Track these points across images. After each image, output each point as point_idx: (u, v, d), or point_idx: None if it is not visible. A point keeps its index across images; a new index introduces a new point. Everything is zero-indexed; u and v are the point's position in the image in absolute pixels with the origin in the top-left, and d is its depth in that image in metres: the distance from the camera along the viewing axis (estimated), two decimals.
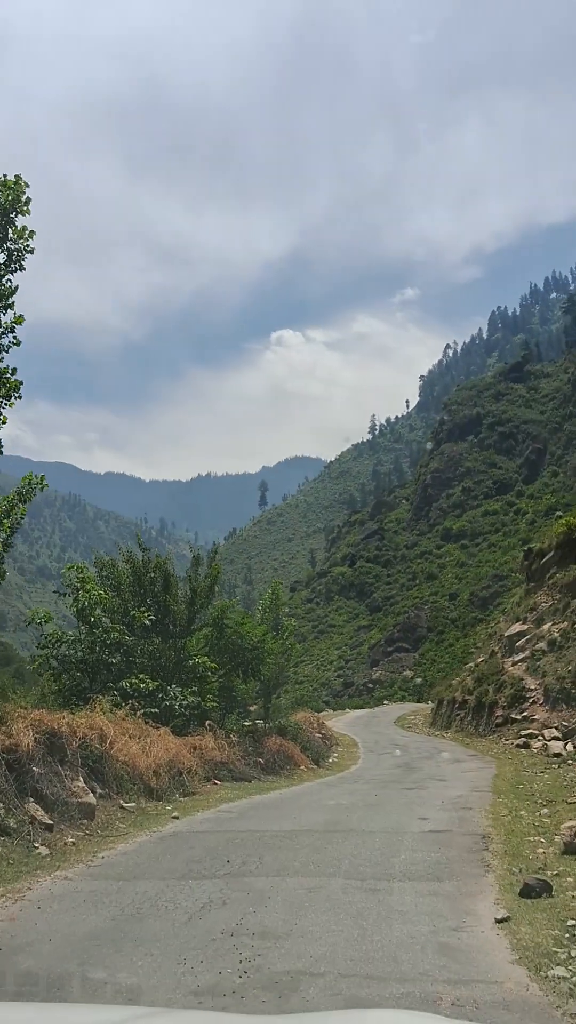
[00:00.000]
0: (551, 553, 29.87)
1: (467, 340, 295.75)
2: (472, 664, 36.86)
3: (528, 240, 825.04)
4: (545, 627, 26.97)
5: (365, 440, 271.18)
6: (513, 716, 24.93)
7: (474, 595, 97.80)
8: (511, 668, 27.35)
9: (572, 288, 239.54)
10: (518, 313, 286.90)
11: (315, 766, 23.01)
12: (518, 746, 22.24)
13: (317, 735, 27.08)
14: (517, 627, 29.94)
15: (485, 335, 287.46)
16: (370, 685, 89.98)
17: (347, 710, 63.17)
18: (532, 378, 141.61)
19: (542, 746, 21.41)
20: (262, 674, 24.67)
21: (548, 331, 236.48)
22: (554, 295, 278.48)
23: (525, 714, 24.39)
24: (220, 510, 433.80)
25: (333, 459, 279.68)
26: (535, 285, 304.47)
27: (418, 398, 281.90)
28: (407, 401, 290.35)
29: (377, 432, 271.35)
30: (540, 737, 22.09)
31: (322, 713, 48.85)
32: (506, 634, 30.87)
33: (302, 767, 21.81)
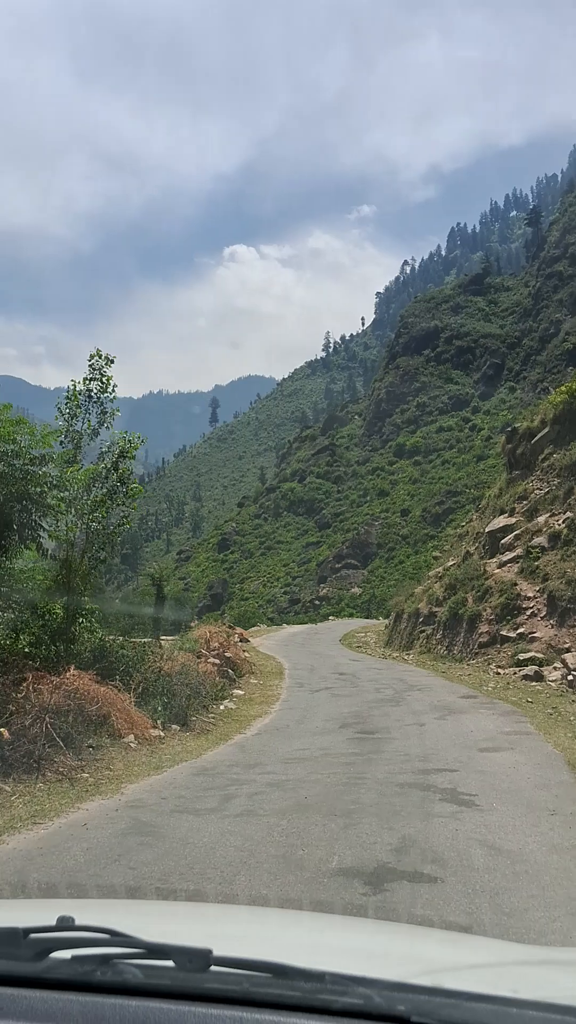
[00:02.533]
0: (545, 430, 25.24)
1: (425, 257, 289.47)
2: (440, 569, 30.47)
3: (486, 162, 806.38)
4: (541, 519, 22.60)
5: (319, 358, 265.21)
6: (505, 633, 20.33)
7: (426, 511, 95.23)
8: (498, 571, 22.66)
9: (532, 206, 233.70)
10: (478, 230, 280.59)
11: (176, 727, 12.85)
12: (526, 677, 17.34)
13: (209, 663, 17.98)
14: (502, 520, 25.01)
15: (444, 252, 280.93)
16: (317, 602, 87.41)
17: (284, 626, 56.51)
18: (492, 291, 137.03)
19: (564, 678, 16.51)
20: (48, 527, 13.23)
21: (508, 249, 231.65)
22: (514, 213, 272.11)
23: (521, 630, 19.83)
24: (171, 428, 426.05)
25: (286, 376, 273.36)
26: (495, 203, 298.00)
27: (373, 315, 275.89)
28: (362, 319, 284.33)
29: (331, 350, 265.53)
30: (560, 665, 17.17)
31: (251, 629, 44.96)
32: (487, 530, 25.87)
33: (128, 737, 11.24)
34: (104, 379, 13.93)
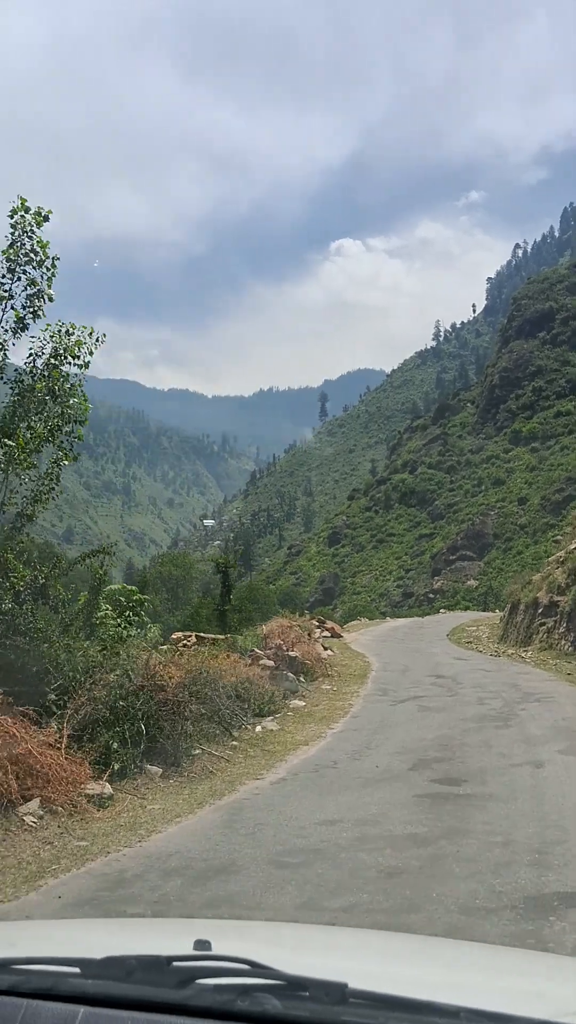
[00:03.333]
0: None
1: (538, 239, 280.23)
2: (561, 553, 26.83)
3: None
4: None
5: (429, 347, 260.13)
6: None
7: (546, 499, 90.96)
8: None
9: None
10: None
11: (158, 769, 8.92)
12: None
13: (260, 665, 15.13)
14: None
15: (557, 233, 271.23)
16: (431, 595, 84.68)
17: (387, 619, 53.21)
18: None
19: None
20: None
21: None
22: None
23: None
24: (282, 424, 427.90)
25: (396, 367, 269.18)
26: None
27: (485, 302, 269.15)
28: (473, 305, 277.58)
29: (442, 339, 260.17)
30: None
31: (350, 623, 42.55)
32: None
33: (32, 804, 7.13)
34: (35, 244, 9.59)
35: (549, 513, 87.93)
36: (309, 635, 21.80)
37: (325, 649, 21.51)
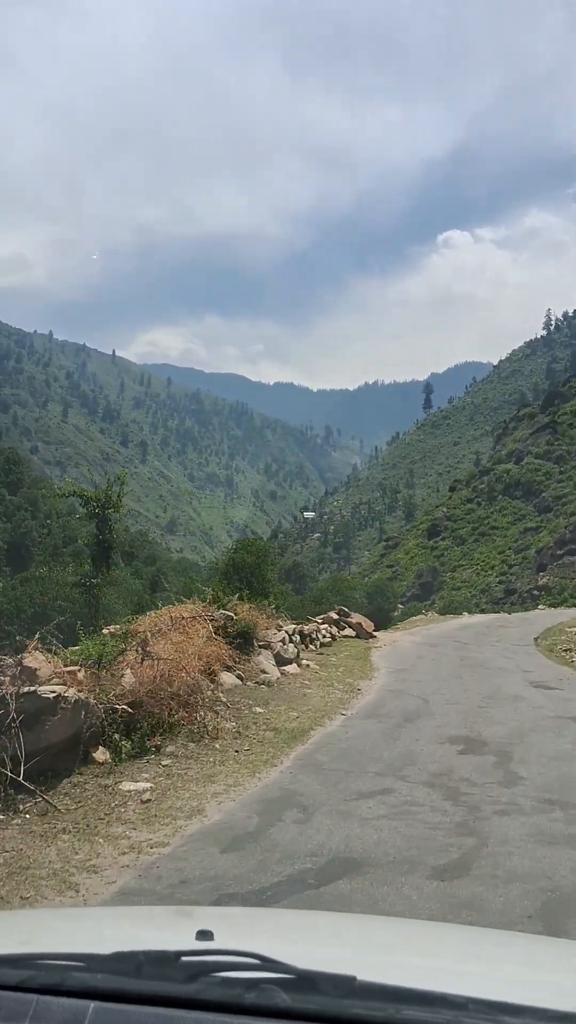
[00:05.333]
0: None
1: None
2: None
3: None
4: None
5: (539, 336, 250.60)
6: None
7: None
8: None
9: None
10: None
11: None
12: None
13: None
14: None
15: None
16: (535, 592, 79.33)
17: (463, 614, 44.27)
18: None
19: None
20: None
21: None
22: None
23: None
24: (386, 417, 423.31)
25: (503, 358, 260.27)
26: None
27: None
28: None
29: (553, 328, 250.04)
30: None
31: (414, 617, 37.39)
32: None
33: None
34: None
35: None
36: (258, 644, 14.34)
37: (284, 665, 14.46)
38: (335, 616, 23.39)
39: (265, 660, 14.06)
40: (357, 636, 22.46)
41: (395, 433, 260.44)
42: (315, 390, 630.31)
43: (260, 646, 14.29)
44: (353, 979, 1.57)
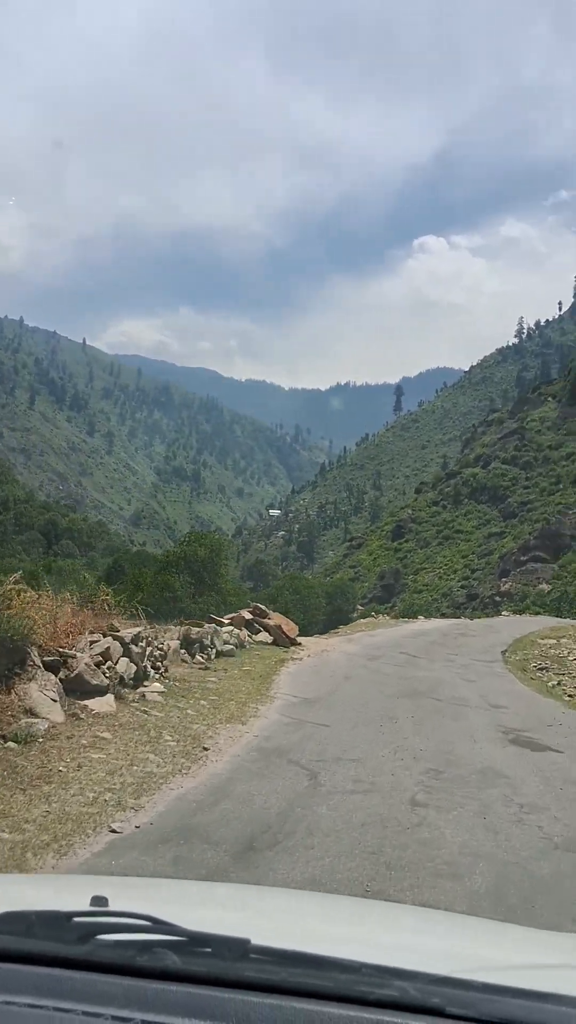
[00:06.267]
0: None
1: None
2: None
3: None
4: None
5: (511, 344, 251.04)
6: None
7: None
8: None
9: None
10: None
11: None
12: None
13: None
14: None
15: None
16: (498, 598, 78.57)
17: (419, 618, 40.49)
18: None
19: None
20: None
21: None
22: None
23: None
24: (356, 418, 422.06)
25: (474, 364, 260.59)
26: None
27: (572, 299, 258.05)
28: (559, 303, 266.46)
29: (524, 336, 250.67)
30: None
31: (363, 620, 35.16)
32: None
33: None
34: None
35: None
36: (44, 660, 9.32)
37: (88, 698, 9.50)
38: (247, 616, 19.37)
39: (42, 692, 8.66)
40: (275, 642, 18.44)
41: (364, 435, 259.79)
42: (287, 388, 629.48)
43: (49, 663, 9.18)
44: (246, 942, 1.56)
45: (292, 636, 18.94)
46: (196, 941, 1.61)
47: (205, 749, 8.61)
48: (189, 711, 10.49)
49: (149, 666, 11.76)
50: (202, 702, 11.09)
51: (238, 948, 1.56)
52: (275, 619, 19.32)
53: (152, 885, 3.40)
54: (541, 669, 16.58)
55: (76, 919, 1.66)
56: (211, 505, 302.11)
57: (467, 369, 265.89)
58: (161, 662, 12.45)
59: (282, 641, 18.45)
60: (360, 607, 68.72)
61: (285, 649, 17.77)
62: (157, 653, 12.38)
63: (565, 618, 44.53)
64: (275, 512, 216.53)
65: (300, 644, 18.91)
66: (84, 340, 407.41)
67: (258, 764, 8.18)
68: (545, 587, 78.58)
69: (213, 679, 12.90)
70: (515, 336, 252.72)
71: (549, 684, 14.58)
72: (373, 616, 40.80)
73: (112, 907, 1.85)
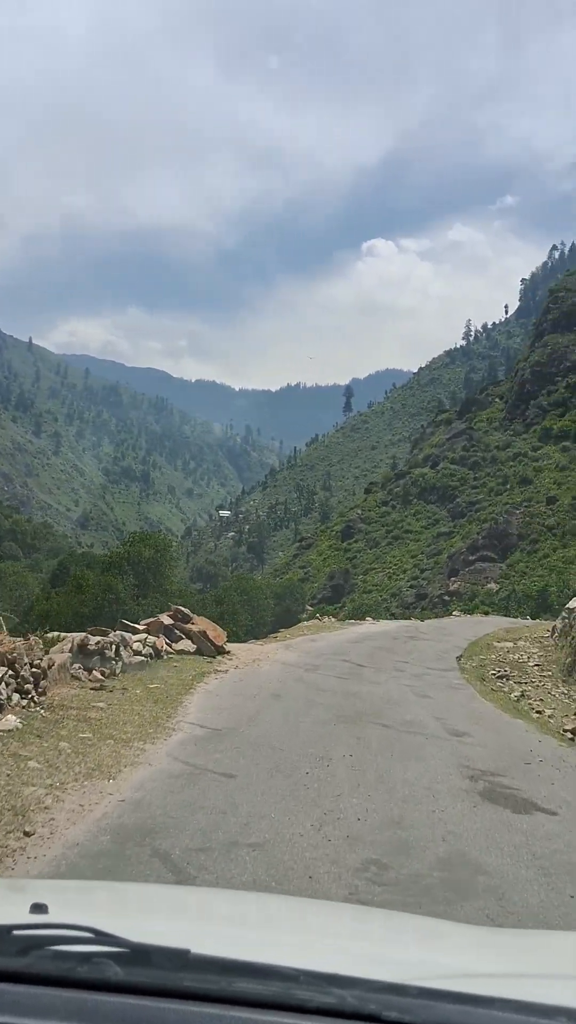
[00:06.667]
0: None
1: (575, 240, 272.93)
2: None
3: None
4: None
5: (459, 346, 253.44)
6: None
7: None
8: None
9: None
10: None
11: None
12: None
13: None
14: None
15: None
16: (447, 597, 78.61)
17: (367, 620, 37.91)
18: None
19: None
20: None
21: None
22: None
23: None
24: (307, 419, 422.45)
25: (423, 366, 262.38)
26: None
27: (518, 303, 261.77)
28: (505, 306, 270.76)
29: (472, 338, 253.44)
30: None
31: (307, 623, 33.85)
32: None
33: None
34: None
35: None
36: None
37: None
38: (167, 621, 17.06)
39: None
40: (199, 651, 16.47)
41: (315, 435, 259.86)
42: (237, 389, 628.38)
43: None
44: (187, 952, 1.58)
45: (219, 644, 17.05)
46: (137, 952, 1.61)
47: (26, 834, 5.65)
48: (34, 761, 7.47)
49: (10, 690, 9.32)
50: (63, 744, 8.23)
51: (179, 958, 1.56)
52: (200, 624, 17.36)
53: (90, 889, 3.32)
54: (501, 677, 15.22)
55: (16, 932, 1.63)
56: (161, 506, 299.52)
57: (416, 371, 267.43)
58: (38, 682, 9.99)
59: (207, 650, 16.54)
60: (309, 607, 68.15)
61: (210, 659, 15.88)
62: (33, 671, 9.89)
63: (514, 617, 44.32)
64: (225, 513, 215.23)
65: (228, 653, 17.08)
66: (30, 339, 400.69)
67: (103, 862, 5.30)
68: (493, 586, 78.92)
69: (101, 704, 10.45)
70: (463, 338, 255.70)
71: (512, 696, 13.33)
72: (318, 619, 38.49)
73: (52, 915, 1.81)
